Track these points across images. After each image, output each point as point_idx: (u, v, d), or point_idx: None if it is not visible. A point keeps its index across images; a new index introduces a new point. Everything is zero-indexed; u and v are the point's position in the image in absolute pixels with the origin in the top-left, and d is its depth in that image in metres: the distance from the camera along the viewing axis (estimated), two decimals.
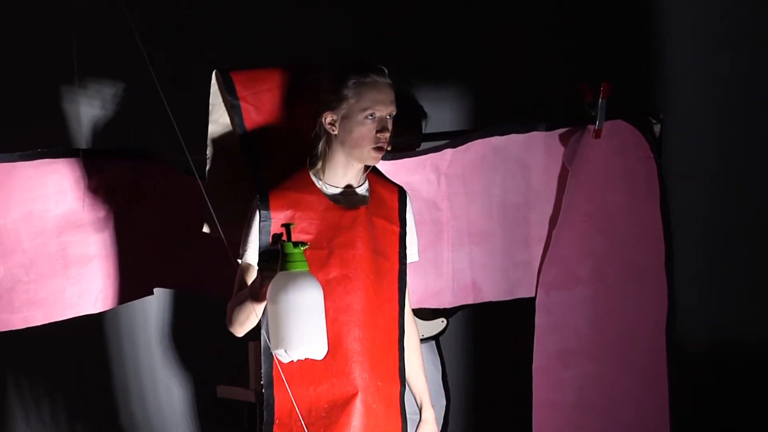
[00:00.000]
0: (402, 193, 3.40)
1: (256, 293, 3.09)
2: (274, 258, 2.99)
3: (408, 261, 3.39)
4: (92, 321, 4.09)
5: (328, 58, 3.45)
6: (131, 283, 3.87)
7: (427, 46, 5.41)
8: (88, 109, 5.20)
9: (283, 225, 3.04)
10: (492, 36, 5.41)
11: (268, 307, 2.96)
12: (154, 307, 5.33)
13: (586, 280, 3.92)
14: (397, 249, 3.34)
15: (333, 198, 3.27)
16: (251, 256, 3.24)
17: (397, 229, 3.34)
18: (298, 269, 2.95)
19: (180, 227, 3.92)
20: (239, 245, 3.30)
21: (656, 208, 3.91)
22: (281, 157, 3.37)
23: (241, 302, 3.17)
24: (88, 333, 5.14)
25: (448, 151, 3.90)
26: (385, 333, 3.29)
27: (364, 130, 3.21)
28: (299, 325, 2.91)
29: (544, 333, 3.93)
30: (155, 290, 4.00)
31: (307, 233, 3.21)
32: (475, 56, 5.45)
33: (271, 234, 3.18)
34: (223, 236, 3.13)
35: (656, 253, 3.90)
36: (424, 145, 4.13)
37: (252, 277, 3.25)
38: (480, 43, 5.43)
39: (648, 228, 3.91)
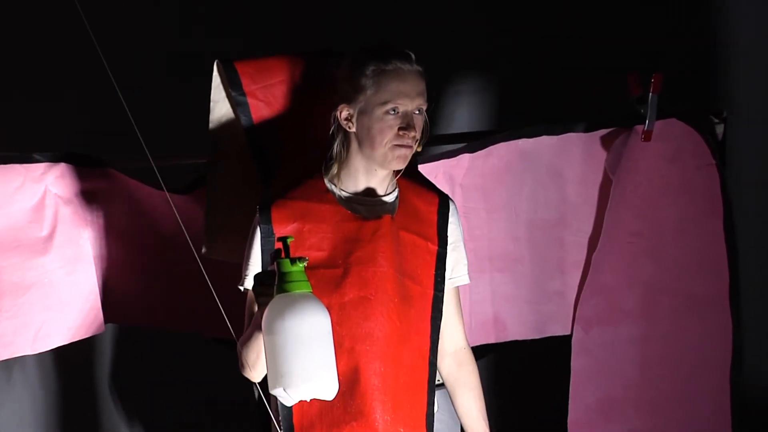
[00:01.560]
0: (443, 203, 3.27)
1: (259, 324, 2.97)
2: (271, 279, 2.86)
3: (458, 284, 3.29)
4: (31, 362, 4.12)
5: (335, 45, 3.38)
6: (78, 317, 3.75)
7: (440, 31, 5.28)
8: (26, 105, 5.15)
9: (279, 239, 2.88)
10: (519, 18, 5.34)
11: (264, 338, 2.82)
12: (108, 344, 5.25)
13: (633, 315, 3.86)
14: (433, 272, 3.21)
15: (350, 207, 3.16)
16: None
17: (434, 248, 3.21)
18: (297, 290, 2.81)
19: (140, 250, 3.85)
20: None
21: (719, 228, 3.84)
22: (298, 162, 3.28)
23: (248, 339, 3.06)
24: (27, 377, 5.12)
25: (465, 157, 3.80)
26: (411, 371, 3.17)
27: (384, 126, 3.08)
28: (300, 358, 2.78)
29: (582, 379, 3.86)
30: (108, 326, 3.90)
31: (319, 249, 3.09)
32: (499, 42, 5.34)
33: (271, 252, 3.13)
34: (198, 259, 3.00)
35: (719, 282, 3.85)
36: (435, 149, 4.03)
37: None
38: (505, 26, 5.34)
39: (709, 251, 3.86)
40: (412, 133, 3.07)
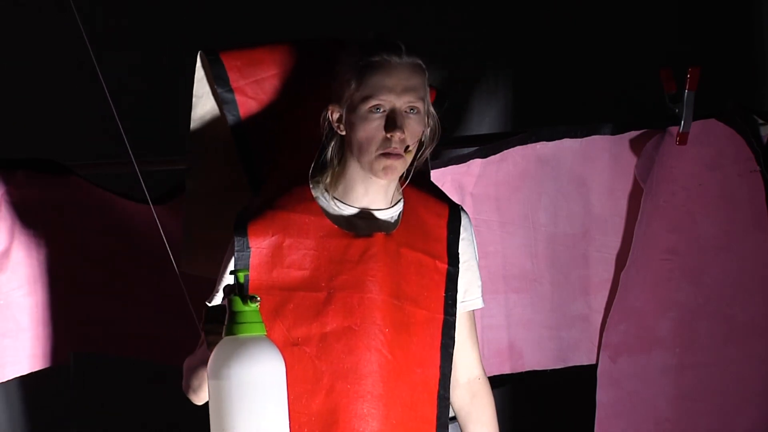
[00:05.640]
0: (454, 215, 3.18)
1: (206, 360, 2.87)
2: (223, 316, 2.79)
3: (471, 308, 3.20)
4: None
5: (330, 34, 3.31)
6: (37, 346, 3.70)
7: (450, 21, 5.30)
8: None
9: (232, 272, 2.79)
10: (538, 6, 5.31)
11: (209, 382, 2.76)
12: (74, 375, 5.03)
13: (667, 343, 3.82)
14: (443, 294, 3.12)
15: (341, 221, 3.08)
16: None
17: (443, 267, 3.12)
18: (248, 333, 2.75)
19: (108, 268, 3.79)
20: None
21: (765, 243, 3.78)
22: (292, 166, 3.20)
23: (196, 366, 3.01)
24: None
25: (476, 162, 3.77)
26: (411, 409, 3.07)
27: (369, 128, 2.99)
28: (246, 412, 2.72)
29: (608, 415, 3.81)
30: (72, 355, 3.83)
31: (300, 268, 3.02)
32: (515, 33, 5.34)
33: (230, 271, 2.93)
34: (178, 271, 2.99)
35: (765, 305, 3.80)
36: (443, 153, 3.97)
37: None
38: (522, 15, 5.33)
39: (754, 271, 3.80)
40: (398, 134, 2.97)
